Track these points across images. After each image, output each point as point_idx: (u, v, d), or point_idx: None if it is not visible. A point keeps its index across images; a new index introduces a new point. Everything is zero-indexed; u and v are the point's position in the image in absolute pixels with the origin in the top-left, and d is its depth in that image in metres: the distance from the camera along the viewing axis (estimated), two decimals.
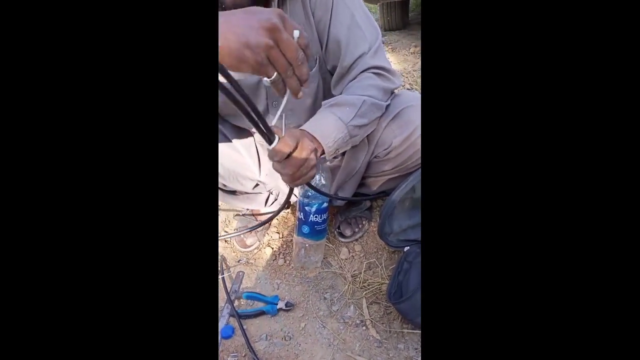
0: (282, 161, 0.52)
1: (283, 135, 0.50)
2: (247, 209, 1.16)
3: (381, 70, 0.70)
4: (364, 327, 0.87)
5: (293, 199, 0.91)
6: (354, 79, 0.69)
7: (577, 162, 0.26)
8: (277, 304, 0.93)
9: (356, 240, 1.06)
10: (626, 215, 0.24)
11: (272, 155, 0.50)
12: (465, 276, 0.29)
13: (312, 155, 0.56)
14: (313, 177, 0.58)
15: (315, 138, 0.58)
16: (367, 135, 0.73)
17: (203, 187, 0.30)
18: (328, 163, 0.86)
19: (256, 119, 0.42)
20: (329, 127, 0.60)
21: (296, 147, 0.53)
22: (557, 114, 0.26)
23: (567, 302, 0.26)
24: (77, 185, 0.27)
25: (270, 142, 0.49)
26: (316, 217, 0.92)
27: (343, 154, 0.81)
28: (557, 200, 0.26)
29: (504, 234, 0.27)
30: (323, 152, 0.60)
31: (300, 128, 0.60)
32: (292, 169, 0.54)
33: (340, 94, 0.68)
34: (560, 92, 0.26)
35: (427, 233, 0.30)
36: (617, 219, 0.25)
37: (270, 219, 0.72)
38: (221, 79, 0.35)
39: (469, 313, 0.28)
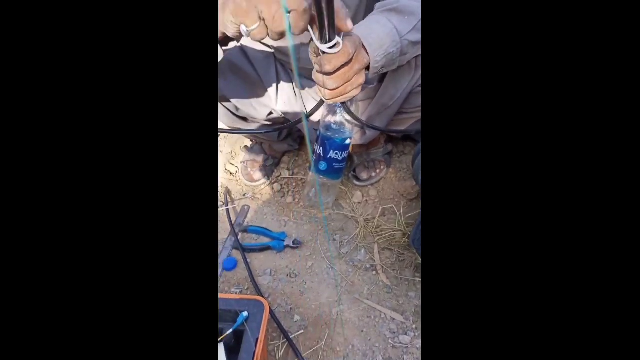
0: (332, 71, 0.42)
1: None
2: (256, 142, 1.08)
3: None
4: (374, 272, 0.84)
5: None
6: None
7: (579, 177, 0.25)
8: (284, 241, 0.88)
9: (372, 184, 1.00)
10: (626, 216, 0.24)
11: (326, 60, 0.40)
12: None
13: (363, 71, 0.46)
14: (354, 96, 0.50)
15: (363, 47, 0.48)
16: (415, 59, 0.63)
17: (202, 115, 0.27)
18: (361, 93, 0.76)
19: (325, 5, 0.32)
20: (381, 37, 0.49)
21: (352, 58, 0.43)
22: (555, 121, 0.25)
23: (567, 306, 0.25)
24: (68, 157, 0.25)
25: (328, 41, 0.38)
26: (336, 154, 0.84)
27: (382, 79, 0.71)
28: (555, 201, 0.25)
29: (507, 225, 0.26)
30: (368, 67, 0.50)
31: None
32: (338, 82, 0.44)
33: None
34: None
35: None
36: (617, 220, 0.24)
37: (311, 115, 0.60)
38: None
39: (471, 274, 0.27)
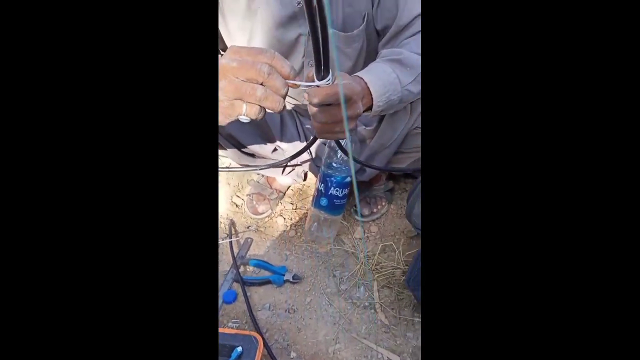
0: (324, 107, 0.45)
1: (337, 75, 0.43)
2: (262, 175, 1.12)
3: None
4: (373, 311, 0.83)
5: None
6: (411, 37, 0.62)
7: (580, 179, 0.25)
8: (284, 275, 0.89)
9: (373, 221, 1.01)
10: (626, 216, 0.24)
11: (316, 95, 0.43)
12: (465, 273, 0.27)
13: (354, 120, 0.50)
14: (342, 139, 0.52)
15: (369, 90, 0.52)
16: (411, 103, 0.67)
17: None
18: (361, 130, 0.79)
19: (321, 44, 0.36)
20: (385, 84, 0.54)
21: (347, 100, 0.46)
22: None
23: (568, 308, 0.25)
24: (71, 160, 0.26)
25: (321, 78, 0.42)
26: (337, 190, 0.87)
27: (380, 121, 0.75)
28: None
29: (507, 234, 0.27)
30: (369, 109, 0.54)
31: (355, 75, 0.53)
32: (329, 118, 0.47)
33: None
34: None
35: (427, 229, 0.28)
36: (617, 219, 0.24)
37: (292, 157, 0.63)
38: None
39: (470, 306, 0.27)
